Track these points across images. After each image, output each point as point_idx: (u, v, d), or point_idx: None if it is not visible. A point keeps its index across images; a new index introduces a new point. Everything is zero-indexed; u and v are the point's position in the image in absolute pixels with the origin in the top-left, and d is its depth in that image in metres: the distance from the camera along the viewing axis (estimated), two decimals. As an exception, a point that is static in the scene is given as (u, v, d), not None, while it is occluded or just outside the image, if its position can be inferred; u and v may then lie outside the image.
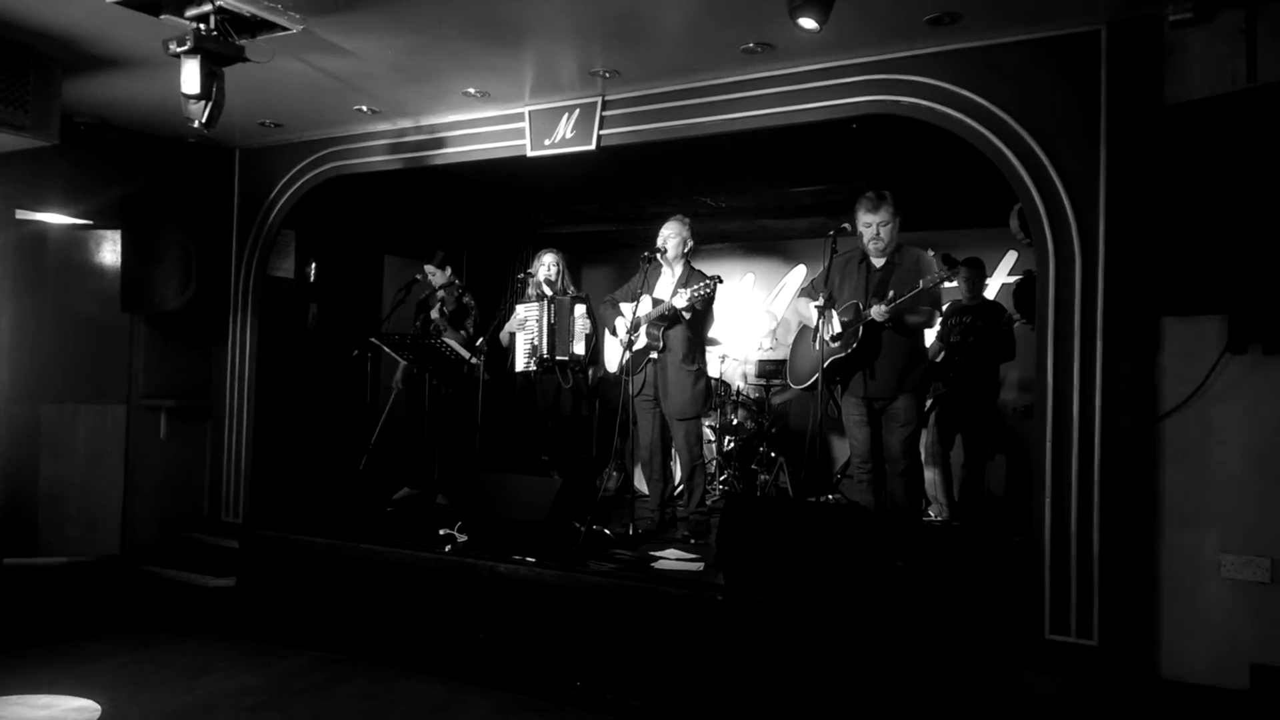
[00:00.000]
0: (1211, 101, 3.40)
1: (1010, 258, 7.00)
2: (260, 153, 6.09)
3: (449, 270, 6.08)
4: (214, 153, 6.10)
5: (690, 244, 5.03)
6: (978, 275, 5.96)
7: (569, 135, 5.01)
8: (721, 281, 4.75)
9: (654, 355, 4.95)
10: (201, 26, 3.65)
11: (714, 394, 6.37)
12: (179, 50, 3.64)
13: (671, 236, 4.97)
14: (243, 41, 3.81)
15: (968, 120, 4.03)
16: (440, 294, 6.02)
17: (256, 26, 3.84)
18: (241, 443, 6.07)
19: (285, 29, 3.88)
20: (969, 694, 3.60)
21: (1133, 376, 3.69)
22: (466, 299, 6.04)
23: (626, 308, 5.01)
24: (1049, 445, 3.84)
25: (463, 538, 4.65)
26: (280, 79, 4.66)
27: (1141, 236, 3.66)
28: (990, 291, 6.75)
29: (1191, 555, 3.60)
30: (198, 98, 3.70)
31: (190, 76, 3.66)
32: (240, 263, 6.10)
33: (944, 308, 5.65)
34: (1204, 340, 3.57)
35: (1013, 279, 6.71)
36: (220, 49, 3.69)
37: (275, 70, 4.39)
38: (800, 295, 4.78)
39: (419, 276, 6.10)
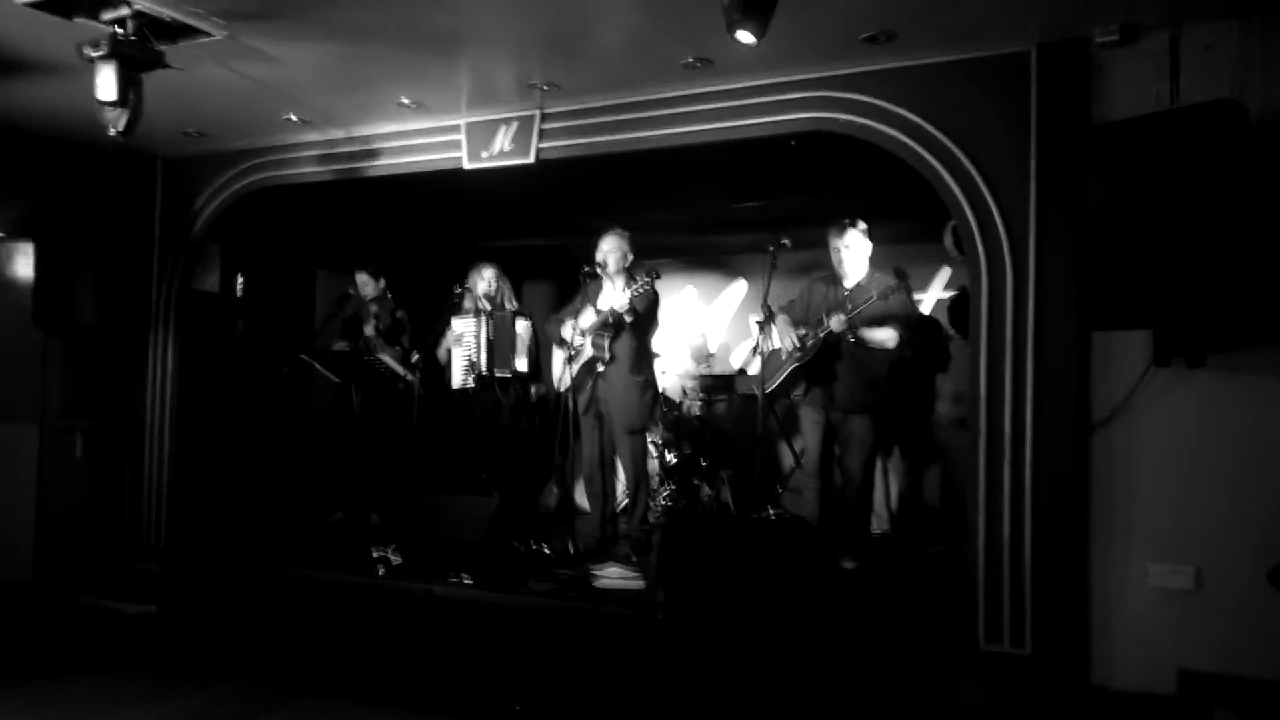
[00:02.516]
0: (1136, 122, 3.48)
1: (945, 273, 7.13)
2: (184, 162, 5.87)
3: (382, 281, 5.93)
4: (134, 162, 5.85)
5: (630, 257, 4.99)
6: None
7: (507, 148, 4.93)
8: (660, 276, 4.75)
9: (600, 368, 4.89)
10: (119, 31, 3.51)
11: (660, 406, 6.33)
12: (94, 55, 3.50)
13: (612, 251, 4.93)
14: (163, 47, 3.67)
15: (903, 138, 4.08)
16: (374, 309, 5.87)
17: (178, 31, 3.71)
18: (163, 463, 5.82)
19: (209, 35, 3.75)
20: (903, 705, 3.61)
21: (1064, 390, 3.76)
22: (400, 314, 5.89)
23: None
24: (982, 459, 3.88)
25: (397, 559, 4.51)
26: (204, 86, 4.50)
27: (1071, 253, 3.73)
28: (925, 307, 6.87)
29: (1120, 564, 3.68)
30: (114, 105, 3.56)
31: (106, 83, 3.51)
32: (162, 277, 5.87)
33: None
34: (1131, 354, 3.65)
35: (948, 294, 6.83)
36: (138, 54, 3.55)
37: (199, 77, 4.24)
38: (779, 313, 4.82)
39: (351, 290, 5.96)
